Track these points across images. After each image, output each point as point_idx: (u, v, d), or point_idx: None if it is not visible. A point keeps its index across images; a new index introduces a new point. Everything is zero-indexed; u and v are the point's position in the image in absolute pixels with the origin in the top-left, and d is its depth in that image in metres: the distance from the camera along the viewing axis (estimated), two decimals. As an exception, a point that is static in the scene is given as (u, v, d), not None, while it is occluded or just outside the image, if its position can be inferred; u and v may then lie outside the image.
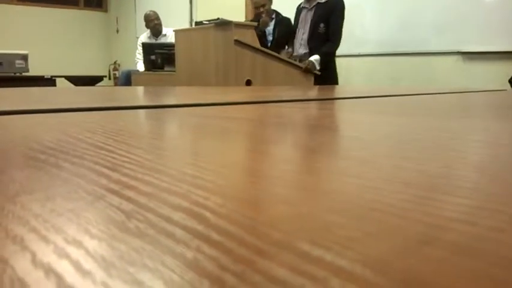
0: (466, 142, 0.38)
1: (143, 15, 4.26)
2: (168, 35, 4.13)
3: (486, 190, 0.20)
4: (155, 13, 4.19)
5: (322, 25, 2.83)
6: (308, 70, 2.70)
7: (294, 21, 3.07)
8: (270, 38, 3.21)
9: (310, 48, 2.88)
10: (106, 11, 8.04)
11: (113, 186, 0.19)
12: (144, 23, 4.29)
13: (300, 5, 3.04)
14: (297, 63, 2.69)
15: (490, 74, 2.96)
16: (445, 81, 3.18)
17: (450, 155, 0.29)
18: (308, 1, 2.93)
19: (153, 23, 4.10)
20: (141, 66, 3.87)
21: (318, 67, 2.75)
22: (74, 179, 0.20)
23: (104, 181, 0.20)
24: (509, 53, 2.81)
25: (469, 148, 0.35)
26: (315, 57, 2.74)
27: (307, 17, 2.93)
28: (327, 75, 2.82)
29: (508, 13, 2.80)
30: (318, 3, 2.86)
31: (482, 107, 0.84)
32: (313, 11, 2.88)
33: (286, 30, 3.12)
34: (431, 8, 3.17)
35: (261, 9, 3.18)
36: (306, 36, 2.92)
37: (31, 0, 7.27)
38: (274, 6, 3.24)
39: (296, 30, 3.01)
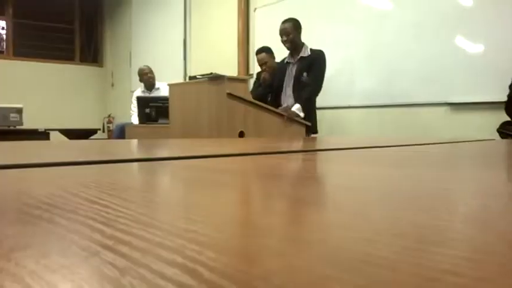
0: (456, 192, 0.38)
1: (137, 69, 4.38)
2: (162, 89, 4.23)
3: (476, 241, 0.20)
4: (148, 67, 4.32)
5: (305, 74, 2.97)
6: (290, 119, 2.77)
7: (278, 75, 3.18)
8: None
9: (294, 98, 2.99)
10: (101, 65, 8.23)
11: (107, 241, 0.19)
12: (138, 77, 4.40)
13: (284, 60, 3.18)
14: (282, 112, 2.75)
15: (478, 124, 3.02)
16: (433, 132, 3.24)
17: (440, 206, 0.30)
18: (292, 56, 3.08)
19: (147, 76, 4.22)
20: (135, 119, 3.93)
21: (301, 114, 2.82)
22: (69, 235, 0.20)
23: (98, 236, 0.20)
24: (496, 103, 2.89)
25: (459, 198, 0.35)
26: (295, 106, 2.83)
27: (292, 71, 3.06)
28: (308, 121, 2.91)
29: (493, 63, 2.90)
30: (302, 57, 3.01)
31: (471, 157, 0.86)
32: (296, 65, 3.03)
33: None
34: (418, 60, 3.29)
35: (263, 67, 3.35)
36: (290, 88, 3.04)
37: (28, 55, 7.45)
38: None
39: (282, 84, 3.13)
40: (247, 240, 0.20)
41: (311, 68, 2.97)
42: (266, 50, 3.42)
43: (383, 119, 3.59)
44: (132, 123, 4.03)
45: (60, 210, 0.26)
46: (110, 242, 0.19)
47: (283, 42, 3.06)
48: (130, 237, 0.20)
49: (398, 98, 3.44)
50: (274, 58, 3.41)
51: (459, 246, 0.19)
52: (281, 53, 3.31)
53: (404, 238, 0.20)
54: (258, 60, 3.45)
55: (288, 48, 3.09)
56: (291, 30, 3.00)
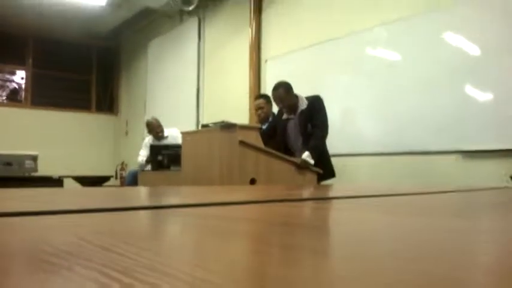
0: (470, 242, 0.38)
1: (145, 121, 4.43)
2: (170, 136, 4.29)
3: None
4: (157, 120, 4.37)
5: (309, 126, 2.99)
6: (303, 166, 2.76)
7: (278, 131, 3.22)
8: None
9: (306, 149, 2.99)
10: (116, 114, 8.42)
11: (125, 290, 0.19)
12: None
13: (280, 116, 3.20)
14: (292, 159, 2.75)
15: (490, 172, 2.99)
16: (445, 180, 3.21)
17: (454, 256, 0.30)
18: (293, 112, 3.09)
19: (155, 131, 4.27)
20: (141, 160, 4.06)
21: (311, 161, 2.81)
22: (87, 283, 0.21)
23: (117, 286, 0.20)
24: (508, 151, 2.87)
25: (474, 248, 0.35)
26: (305, 154, 2.82)
27: (295, 127, 3.08)
28: (322, 168, 2.89)
29: (504, 111, 2.91)
30: (301, 110, 3.03)
31: (485, 205, 0.85)
32: (298, 120, 3.05)
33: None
34: (429, 109, 3.31)
35: (258, 111, 3.51)
36: (300, 143, 3.04)
37: (45, 104, 7.67)
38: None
39: (284, 137, 3.15)
40: (261, 290, 0.20)
41: (313, 117, 2.99)
42: (264, 97, 3.62)
43: (394, 167, 3.57)
44: (139, 165, 4.14)
45: (78, 259, 0.27)
46: (127, 291, 0.19)
47: (280, 108, 3.12)
48: (149, 287, 0.20)
49: (409, 146, 3.44)
50: (271, 106, 3.57)
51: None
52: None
53: (418, 289, 0.20)
54: (255, 105, 3.64)
55: (286, 112, 3.13)
56: (284, 96, 3.04)
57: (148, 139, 4.33)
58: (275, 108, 3.53)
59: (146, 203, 0.82)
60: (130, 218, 0.54)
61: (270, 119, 3.57)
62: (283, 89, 3.06)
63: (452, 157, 3.20)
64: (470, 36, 3.14)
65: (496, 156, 2.96)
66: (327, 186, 1.87)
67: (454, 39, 3.23)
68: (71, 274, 0.23)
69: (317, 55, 4.28)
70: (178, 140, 4.23)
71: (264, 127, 3.56)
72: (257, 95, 3.91)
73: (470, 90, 3.12)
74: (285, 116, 3.16)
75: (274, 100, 3.10)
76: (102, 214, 0.57)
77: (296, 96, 3.08)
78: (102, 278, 0.22)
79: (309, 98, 3.07)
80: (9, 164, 4.15)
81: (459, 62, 3.17)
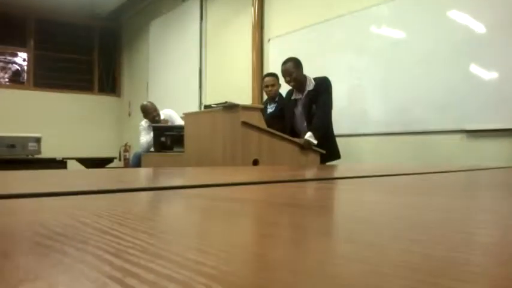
0: (474, 223, 0.37)
1: (140, 106, 4.37)
2: (166, 117, 4.26)
3: (493, 274, 0.20)
4: (152, 104, 4.31)
5: (314, 106, 2.98)
6: (306, 147, 2.76)
7: (287, 112, 3.22)
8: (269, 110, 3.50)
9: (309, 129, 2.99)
10: (119, 95, 8.40)
11: (115, 273, 0.19)
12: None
13: (291, 95, 3.19)
14: (295, 139, 2.75)
15: (494, 151, 2.98)
16: (450, 160, 3.20)
17: (458, 237, 0.29)
18: (299, 92, 3.09)
19: (152, 115, 4.22)
20: (144, 141, 4.06)
21: (314, 142, 2.80)
22: (78, 266, 0.20)
23: (107, 268, 0.20)
24: (512, 130, 2.85)
25: (477, 229, 0.34)
26: (308, 134, 2.82)
27: (302, 107, 3.08)
28: (327, 149, 2.89)
29: (510, 90, 2.88)
30: (308, 91, 3.02)
31: (490, 185, 0.84)
32: (304, 100, 3.04)
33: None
34: (433, 88, 3.28)
35: (269, 88, 3.53)
36: (305, 123, 3.04)
37: (47, 86, 7.66)
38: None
39: (294, 121, 3.15)
40: (257, 273, 0.20)
41: (318, 98, 2.98)
42: (274, 75, 3.65)
43: (398, 147, 3.56)
44: (141, 148, 4.14)
45: (72, 241, 0.26)
46: (118, 274, 0.19)
47: (287, 82, 3.09)
48: (139, 269, 0.19)
49: (413, 125, 3.42)
50: (279, 85, 3.63)
51: (475, 280, 0.18)
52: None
53: (418, 271, 0.19)
54: (265, 82, 3.68)
55: (293, 87, 3.11)
56: (293, 70, 3.02)
57: (145, 122, 4.29)
58: (282, 90, 3.53)
59: (148, 185, 0.82)
60: (129, 200, 0.54)
61: (277, 99, 3.58)
62: (293, 63, 3.06)
63: (457, 136, 3.18)
64: (474, 14, 3.09)
65: (501, 136, 2.94)
66: (330, 167, 1.86)
67: (458, 16, 3.18)
68: (62, 256, 0.22)
69: (320, 34, 4.23)
70: (174, 120, 4.22)
71: (270, 108, 3.57)
72: (267, 73, 3.95)
73: (475, 69, 3.08)
74: (293, 97, 3.15)
75: (283, 74, 3.09)
76: (103, 196, 0.57)
77: (304, 76, 3.07)
78: (93, 260, 0.21)
79: (316, 79, 3.06)
80: (12, 146, 4.17)
81: (464, 40, 3.12)
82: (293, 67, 3.03)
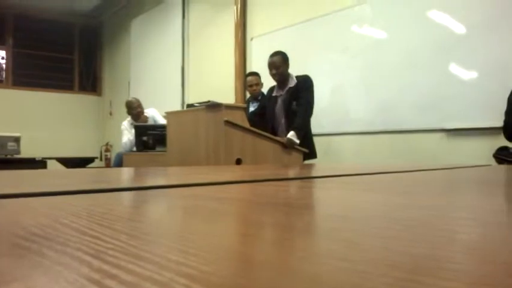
0: (453, 220, 0.38)
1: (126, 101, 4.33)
2: (149, 116, 4.23)
3: (474, 272, 0.20)
4: (137, 100, 4.29)
5: (294, 103, 3.00)
6: (289, 146, 2.77)
7: (268, 108, 3.24)
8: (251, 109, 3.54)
9: (287, 127, 3.00)
10: (100, 94, 8.29)
11: (94, 275, 0.18)
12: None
13: (272, 92, 3.21)
14: (278, 138, 2.77)
15: (473, 150, 3.04)
16: (430, 159, 3.25)
17: (437, 235, 0.29)
18: (280, 88, 3.11)
19: (136, 111, 4.18)
20: (127, 140, 4.00)
21: (297, 141, 2.82)
22: (56, 268, 0.20)
23: (85, 270, 0.19)
24: (492, 129, 2.91)
25: (456, 227, 0.35)
26: (290, 134, 2.84)
27: (282, 103, 3.09)
28: (306, 148, 2.91)
29: (487, 90, 2.94)
30: (289, 87, 3.05)
31: (469, 183, 0.86)
32: (284, 96, 3.06)
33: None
34: (413, 87, 3.33)
35: (253, 87, 3.61)
36: (284, 120, 3.06)
37: (27, 84, 7.51)
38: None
39: (274, 117, 3.16)
40: (239, 273, 0.20)
41: (299, 95, 3.00)
42: (257, 74, 3.76)
43: (378, 146, 3.61)
44: (123, 148, 4.08)
45: (50, 242, 0.26)
46: (97, 276, 0.18)
47: (272, 75, 3.10)
48: (119, 271, 0.19)
49: (394, 124, 3.47)
50: (262, 84, 3.74)
51: (456, 278, 0.19)
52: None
53: (398, 269, 0.20)
54: (248, 81, 3.75)
55: (277, 81, 3.12)
56: (280, 64, 3.04)
57: (127, 122, 4.25)
58: (264, 89, 3.56)
59: (129, 184, 0.81)
60: (110, 200, 0.53)
61: (259, 98, 3.62)
62: (282, 57, 3.08)
63: (437, 135, 3.24)
64: (454, 14, 3.14)
65: (480, 134, 3.00)
66: (312, 165, 1.87)
67: (439, 16, 3.23)
68: (39, 258, 0.22)
69: (302, 33, 4.25)
70: (157, 119, 4.18)
71: (252, 107, 3.59)
72: (249, 72, 4.05)
73: (455, 68, 3.14)
74: (274, 94, 3.16)
75: (270, 66, 3.09)
76: (82, 196, 0.56)
77: (288, 72, 3.09)
78: (71, 261, 0.21)
79: (298, 77, 3.08)
80: (-10, 145, 4.08)
81: (443, 40, 3.18)
82: (281, 61, 3.05)
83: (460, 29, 3.12)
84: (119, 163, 4.04)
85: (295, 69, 3.21)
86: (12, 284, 0.18)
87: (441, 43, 3.18)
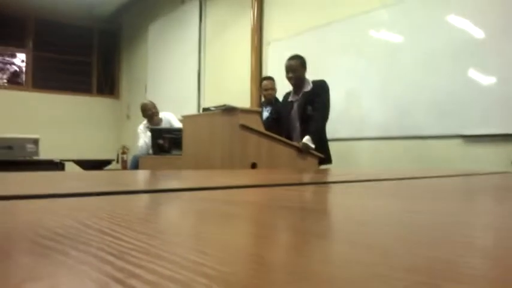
0: (471, 226, 0.38)
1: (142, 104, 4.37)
2: (164, 120, 4.26)
3: (492, 277, 0.20)
4: (152, 103, 4.33)
5: (309, 108, 2.99)
6: (305, 151, 2.76)
7: (283, 113, 3.23)
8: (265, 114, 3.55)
9: (302, 131, 2.99)
10: (118, 97, 8.40)
11: (117, 274, 0.19)
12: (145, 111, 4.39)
13: (287, 97, 3.21)
14: (294, 143, 2.76)
15: (491, 157, 2.98)
16: (446, 164, 3.20)
17: (455, 240, 0.29)
18: (296, 93, 3.11)
19: (151, 112, 4.22)
20: (143, 143, 4.05)
21: (312, 145, 2.81)
22: (80, 267, 0.21)
23: (108, 269, 0.20)
24: (510, 136, 2.85)
25: (475, 232, 0.35)
26: (305, 138, 2.82)
27: (297, 108, 3.09)
28: (321, 153, 2.89)
29: (507, 96, 2.89)
30: (304, 92, 3.04)
31: (487, 190, 0.84)
32: (300, 101, 3.05)
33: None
34: (431, 93, 3.29)
35: (269, 91, 3.67)
36: (299, 125, 3.05)
37: (46, 87, 7.65)
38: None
39: (290, 122, 3.15)
40: (256, 275, 0.20)
41: (314, 100, 2.99)
42: (273, 79, 3.75)
43: (394, 152, 3.57)
44: (139, 151, 4.12)
45: (73, 242, 0.26)
46: (120, 275, 0.19)
47: (289, 78, 3.09)
48: (141, 270, 0.20)
49: (411, 130, 3.43)
50: (276, 89, 3.74)
51: (474, 283, 0.19)
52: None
53: (418, 273, 0.20)
54: (264, 85, 3.74)
55: (293, 85, 3.11)
56: (297, 67, 3.04)
57: (143, 125, 4.29)
58: (278, 95, 3.57)
59: (146, 187, 0.82)
60: (129, 202, 0.54)
61: (273, 102, 3.62)
62: (300, 61, 3.08)
63: (454, 141, 3.19)
64: (472, 18, 3.10)
65: (498, 141, 2.95)
66: (328, 171, 1.87)
67: (456, 21, 3.19)
68: (63, 257, 0.22)
69: (319, 38, 4.24)
70: (173, 123, 4.21)
71: (266, 111, 3.59)
72: (264, 76, 4.06)
73: (473, 73, 3.10)
74: (290, 99, 3.16)
75: (287, 68, 3.09)
76: (102, 198, 0.57)
77: (305, 77, 3.09)
78: (95, 261, 0.21)
79: (314, 82, 3.07)
80: (10, 147, 4.15)
81: (461, 45, 3.13)
82: (299, 65, 3.05)
83: (478, 33, 3.07)
84: (135, 166, 4.08)
85: (311, 74, 3.20)
86: (38, 281, 0.18)
87: (459, 48, 3.14)
